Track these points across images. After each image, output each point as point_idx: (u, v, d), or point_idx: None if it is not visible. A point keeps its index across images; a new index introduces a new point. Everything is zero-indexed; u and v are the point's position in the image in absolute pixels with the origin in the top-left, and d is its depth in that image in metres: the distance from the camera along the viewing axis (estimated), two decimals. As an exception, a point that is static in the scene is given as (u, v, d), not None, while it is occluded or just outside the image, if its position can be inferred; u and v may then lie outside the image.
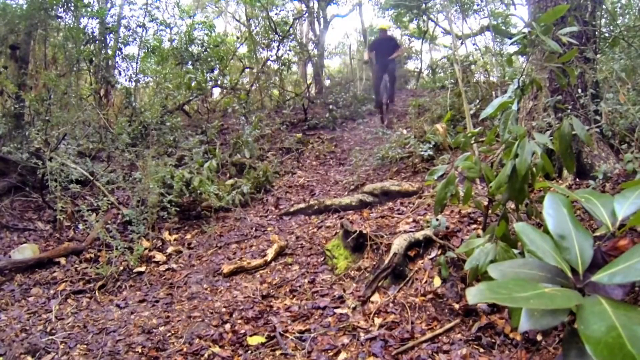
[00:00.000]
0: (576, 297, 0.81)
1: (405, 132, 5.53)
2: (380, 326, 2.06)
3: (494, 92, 5.40)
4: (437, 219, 2.70)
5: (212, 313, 2.47)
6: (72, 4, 6.18)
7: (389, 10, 9.33)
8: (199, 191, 4.17)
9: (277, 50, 8.30)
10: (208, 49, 7.27)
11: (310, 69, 10.94)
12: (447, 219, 2.83)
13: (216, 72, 7.71)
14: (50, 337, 2.31)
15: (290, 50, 8.32)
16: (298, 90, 9.33)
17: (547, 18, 1.66)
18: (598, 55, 3.45)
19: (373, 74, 7.80)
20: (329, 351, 1.93)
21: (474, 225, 2.78)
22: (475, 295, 0.78)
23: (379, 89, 7.00)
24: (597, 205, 1.11)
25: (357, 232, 2.85)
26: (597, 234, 1.16)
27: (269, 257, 3.15)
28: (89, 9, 6.46)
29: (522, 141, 1.60)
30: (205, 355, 2.03)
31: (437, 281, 2.31)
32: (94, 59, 6.57)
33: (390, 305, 2.22)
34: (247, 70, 9.31)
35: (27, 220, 4.07)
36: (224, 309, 2.47)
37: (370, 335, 1.98)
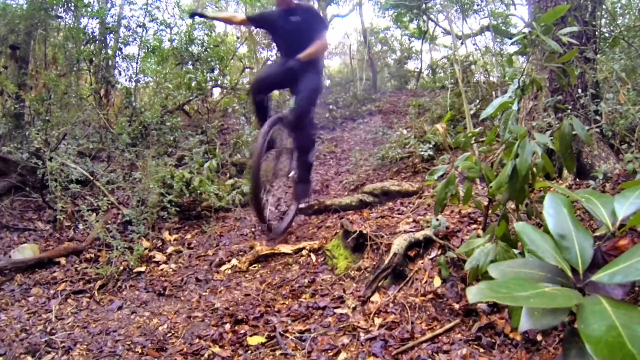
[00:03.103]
0: (576, 296, 0.81)
1: (405, 132, 5.53)
2: (380, 326, 2.06)
3: (494, 92, 5.41)
4: (437, 219, 2.70)
5: (212, 313, 2.47)
6: (72, 4, 6.17)
7: (389, 10, 9.34)
8: (199, 191, 4.17)
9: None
10: (208, 49, 7.26)
11: (310, 69, 10.92)
12: (447, 219, 2.83)
13: (216, 72, 7.70)
14: (50, 337, 2.31)
15: (290, 50, 8.30)
16: (298, 90, 9.30)
17: (547, 18, 1.66)
18: (598, 55, 3.45)
19: (252, 87, 3.66)
20: (329, 351, 1.93)
21: (474, 225, 2.78)
22: (475, 294, 0.78)
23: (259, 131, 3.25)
24: (597, 205, 1.11)
25: (357, 232, 2.84)
26: (597, 233, 1.16)
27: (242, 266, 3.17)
28: (89, 9, 6.46)
29: (522, 141, 1.61)
30: (205, 355, 2.03)
31: (437, 281, 2.31)
32: (94, 59, 6.57)
33: (390, 305, 2.22)
34: (247, 70, 9.30)
35: (27, 220, 4.07)
36: (224, 309, 2.47)
37: (370, 335, 1.98)
